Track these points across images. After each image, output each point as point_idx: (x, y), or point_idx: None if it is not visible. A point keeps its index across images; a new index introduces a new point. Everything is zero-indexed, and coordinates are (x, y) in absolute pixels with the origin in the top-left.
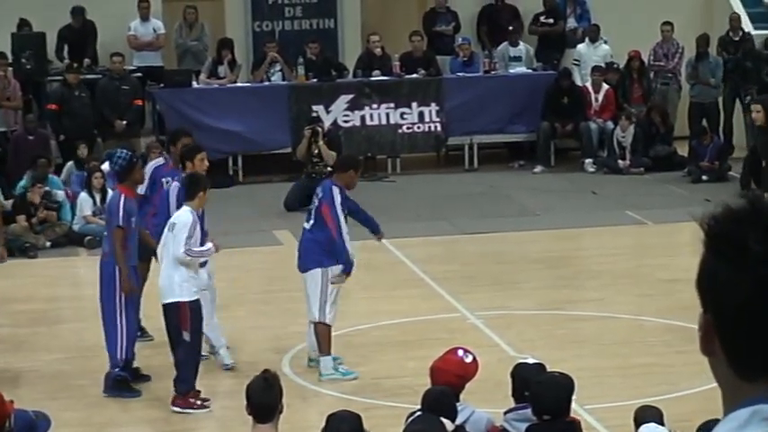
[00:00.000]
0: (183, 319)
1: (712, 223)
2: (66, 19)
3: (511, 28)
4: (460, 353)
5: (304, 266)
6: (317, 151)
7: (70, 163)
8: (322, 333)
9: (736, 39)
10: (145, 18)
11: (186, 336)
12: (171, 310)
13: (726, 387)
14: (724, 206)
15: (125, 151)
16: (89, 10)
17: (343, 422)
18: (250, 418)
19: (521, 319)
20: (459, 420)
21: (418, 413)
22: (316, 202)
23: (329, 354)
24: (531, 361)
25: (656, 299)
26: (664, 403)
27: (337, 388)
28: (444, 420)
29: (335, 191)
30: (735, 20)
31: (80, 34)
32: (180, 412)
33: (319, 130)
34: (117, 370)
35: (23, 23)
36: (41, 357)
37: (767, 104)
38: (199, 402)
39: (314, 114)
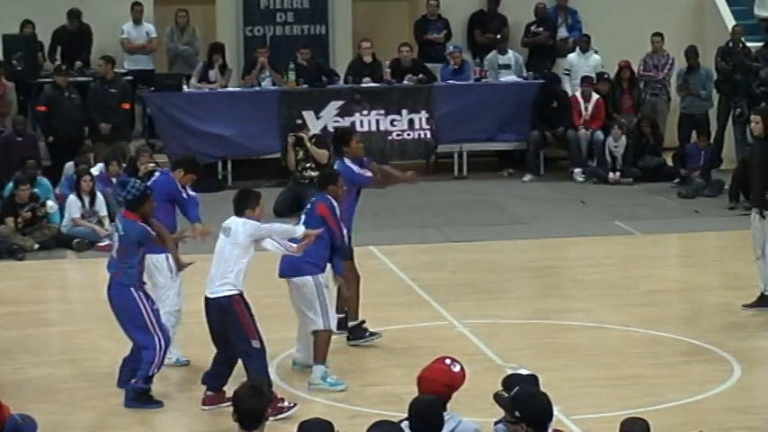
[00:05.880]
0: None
1: None
2: (61, 20)
3: (499, 36)
4: (448, 362)
5: (294, 272)
6: (302, 156)
7: (70, 163)
8: (324, 341)
9: (738, 49)
10: (137, 21)
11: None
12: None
13: None
14: None
15: (139, 182)
16: (84, 12)
17: (314, 429)
18: (236, 424)
19: (508, 328)
20: (445, 430)
21: (405, 421)
22: (310, 207)
23: (324, 362)
24: (523, 372)
25: (644, 309)
26: (651, 415)
27: (324, 395)
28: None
29: (333, 201)
30: (737, 32)
31: (76, 36)
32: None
33: (303, 135)
34: (141, 382)
35: (26, 23)
36: (28, 360)
37: (766, 116)
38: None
39: (298, 121)
